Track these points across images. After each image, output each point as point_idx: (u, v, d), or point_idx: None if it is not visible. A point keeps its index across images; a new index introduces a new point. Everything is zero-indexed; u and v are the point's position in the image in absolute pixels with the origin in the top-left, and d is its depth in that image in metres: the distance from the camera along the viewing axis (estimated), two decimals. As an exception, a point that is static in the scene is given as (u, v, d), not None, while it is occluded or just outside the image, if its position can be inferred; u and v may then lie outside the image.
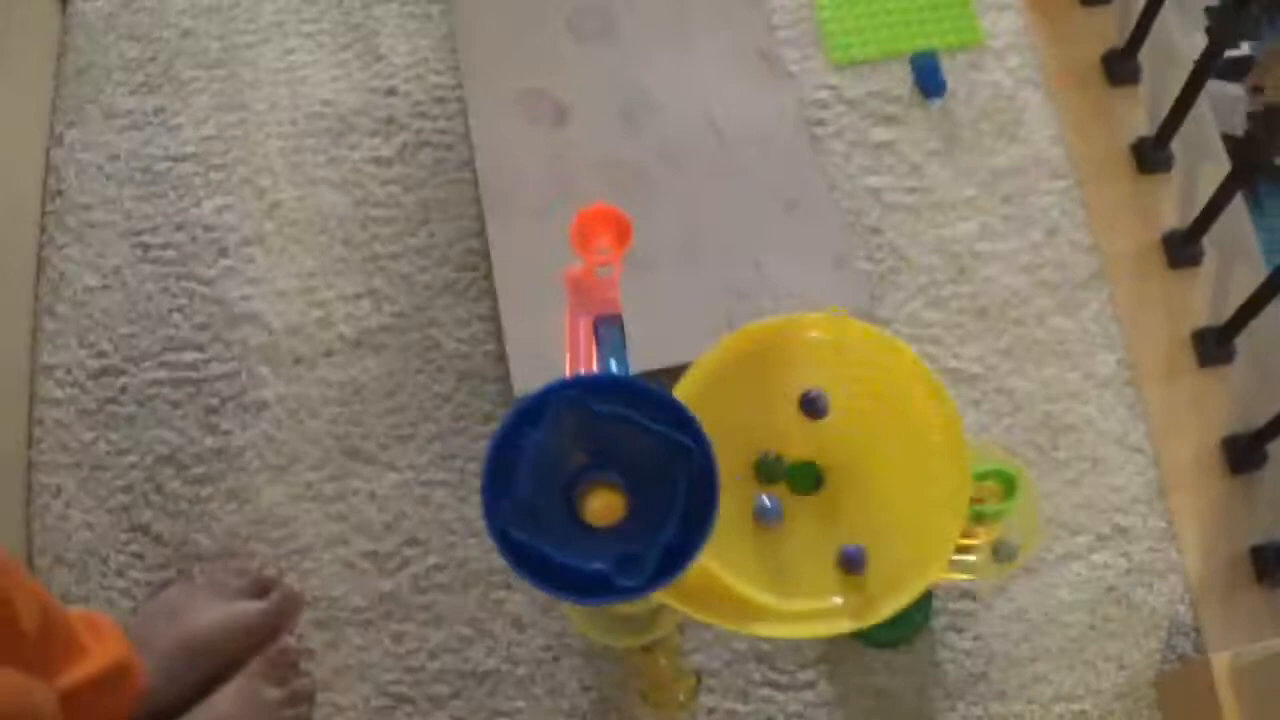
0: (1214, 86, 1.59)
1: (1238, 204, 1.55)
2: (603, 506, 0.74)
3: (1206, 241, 1.55)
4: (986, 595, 1.38)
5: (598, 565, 0.71)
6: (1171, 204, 1.59)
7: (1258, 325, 1.46)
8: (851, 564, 0.88)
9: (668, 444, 0.74)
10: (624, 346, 1.02)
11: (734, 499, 0.87)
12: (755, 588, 0.86)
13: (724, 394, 0.93)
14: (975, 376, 1.47)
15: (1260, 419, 1.42)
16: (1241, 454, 1.46)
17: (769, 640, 1.35)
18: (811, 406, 0.91)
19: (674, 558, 0.72)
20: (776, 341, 0.96)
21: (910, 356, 0.93)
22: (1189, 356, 1.52)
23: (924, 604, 1.34)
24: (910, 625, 1.34)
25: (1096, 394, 1.48)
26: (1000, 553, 0.98)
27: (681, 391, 0.92)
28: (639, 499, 0.74)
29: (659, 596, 0.83)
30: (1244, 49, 2.14)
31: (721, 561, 0.85)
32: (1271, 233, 2.56)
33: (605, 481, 0.75)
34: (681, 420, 0.75)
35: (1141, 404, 1.48)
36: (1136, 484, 1.44)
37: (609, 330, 1.04)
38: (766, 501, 0.89)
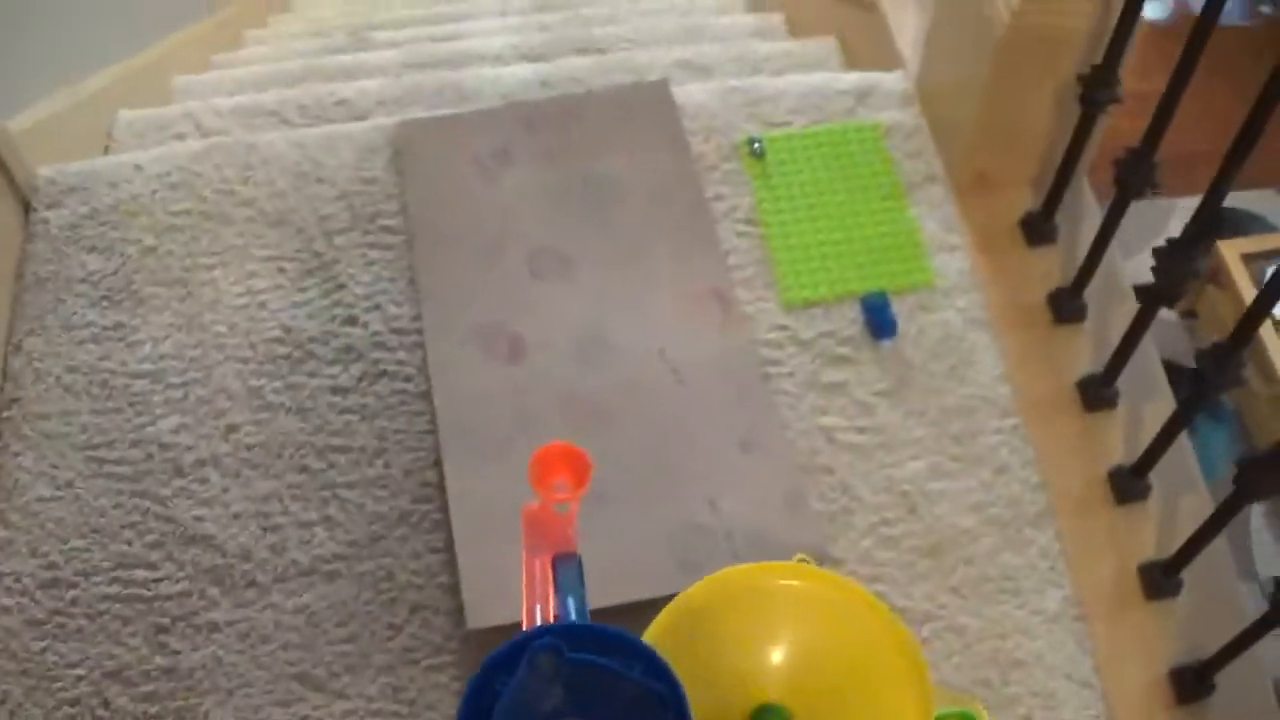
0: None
1: (1181, 438, 1.63)
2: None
3: (1153, 476, 1.62)
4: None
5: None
6: (1118, 440, 1.67)
7: (1208, 556, 1.52)
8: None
9: (642, 691, 0.79)
10: (582, 585, 1.07)
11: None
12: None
13: (695, 639, 0.98)
14: (926, 614, 1.52)
15: (1207, 650, 1.48)
16: (1188, 685, 1.51)
17: None
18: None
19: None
20: (745, 587, 1.01)
21: (883, 612, 0.99)
22: (1136, 590, 1.58)
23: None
24: None
25: (1045, 629, 1.53)
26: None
27: (651, 635, 0.97)
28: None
29: None
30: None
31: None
32: (1204, 449, 2.66)
33: (577, 727, 0.79)
34: (656, 668, 0.80)
35: (1090, 638, 1.53)
36: (1085, 718, 1.49)
37: (566, 569, 1.09)
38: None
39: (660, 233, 1.73)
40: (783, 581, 1.01)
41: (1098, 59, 1.59)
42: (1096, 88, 1.60)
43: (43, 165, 1.85)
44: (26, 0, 1.94)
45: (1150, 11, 1.49)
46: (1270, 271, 3.30)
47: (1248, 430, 3.21)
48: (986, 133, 1.78)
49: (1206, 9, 1.37)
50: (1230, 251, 3.28)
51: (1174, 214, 3.48)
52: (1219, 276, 3.27)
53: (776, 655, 1.00)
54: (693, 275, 1.70)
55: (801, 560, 1.02)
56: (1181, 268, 1.48)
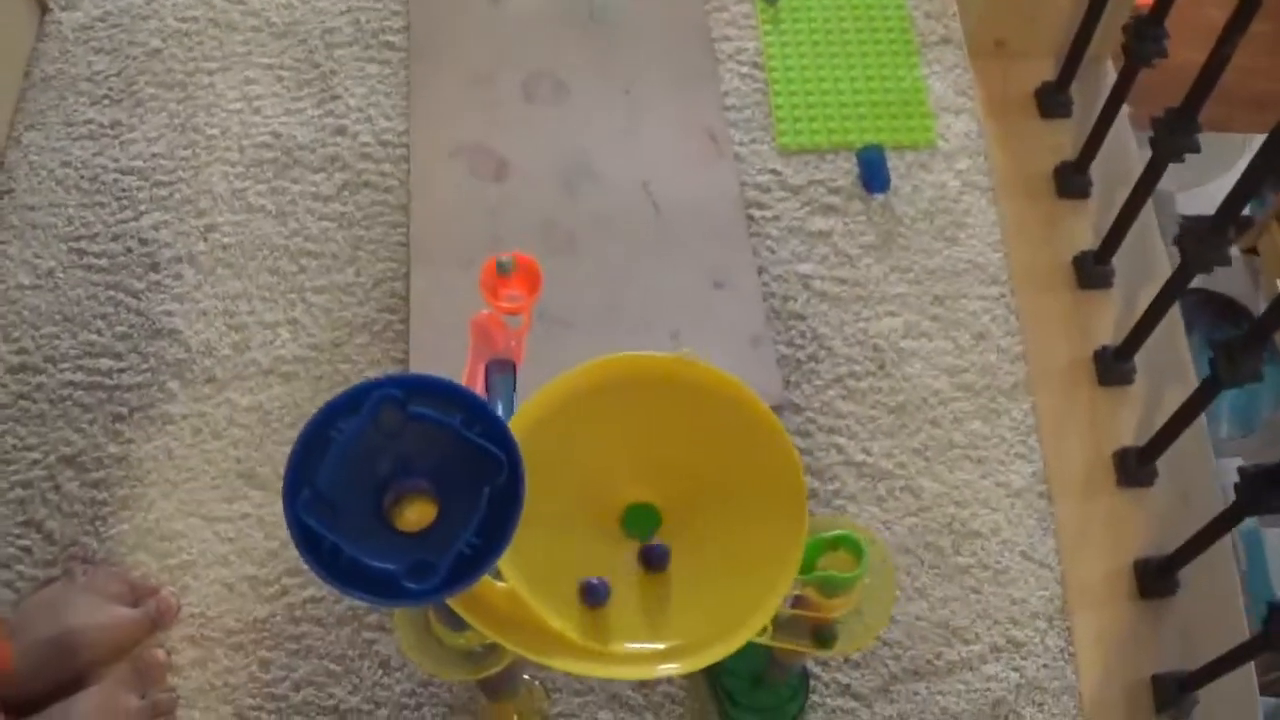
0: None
1: (1176, 327, 1.58)
2: (416, 517, 0.76)
3: (1140, 362, 1.57)
4: (868, 695, 1.39)
5: (388, 566, 0.74)
6: (1109, 321, 1.62)
7: (1182, 447, 1.47)
8: (653, 559, 0.90)
9: (481, 455, 0.77)
10: (513, 394, 1.05)
11: (568, 537, 0.90)
12: (569, 624, 0.88)
13: (563, 427, 0.95)
14: (884, 472, 1.49)
15: (1176, 544, 1.43)
16: (1153, 579, 1.46)
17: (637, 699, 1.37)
18: (652, 557, 0.92)
19: (469, 568, 0.75)
20: (622, 378, 0.98)
21: (760, 406, 0.96)
22: (1108, 475, 1.53)
23: (799, 694, 1.35)
24: (784, 715, 1.35)
25: (1008, 503, 1.49)
26: (820, 635, 1.00)
27: (521, 416, 0.94)
28: (446, 507, 0.76)
29: (454, 605, 0.86)
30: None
31: (537, 591, 0.87)
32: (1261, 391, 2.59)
33: (417, 489, 0.77)
34: (497, 433, 0.77)
35: (1054, 519, 1.49)
36: (1038, 599, 1.45)
37: (500, 376, 1.07)
38: (594, 582, 0.90)
39: (660, 67, 1.69)
40: (666, 373, 0.98)
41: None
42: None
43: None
44: None
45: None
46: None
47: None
48: (1008, -4, 1.72)
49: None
50: None
51: (1245, 150, 3.40)
52: None
53: (651, 451, 0.97)
54: (687, 111, 1.66)
55: (689, 353, 0.98)
56: (1180, 141, 1.42)
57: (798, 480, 0.93)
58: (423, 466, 0.77)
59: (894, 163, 1.65)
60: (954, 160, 1.67)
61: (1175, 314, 1.57)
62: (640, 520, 0.94)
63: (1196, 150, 1.44)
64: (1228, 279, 2.45)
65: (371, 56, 1.72)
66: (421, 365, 1.46)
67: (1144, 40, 1.47)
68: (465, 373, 1.06)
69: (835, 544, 0.99)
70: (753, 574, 0.92)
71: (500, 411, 1.00)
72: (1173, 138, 1.42)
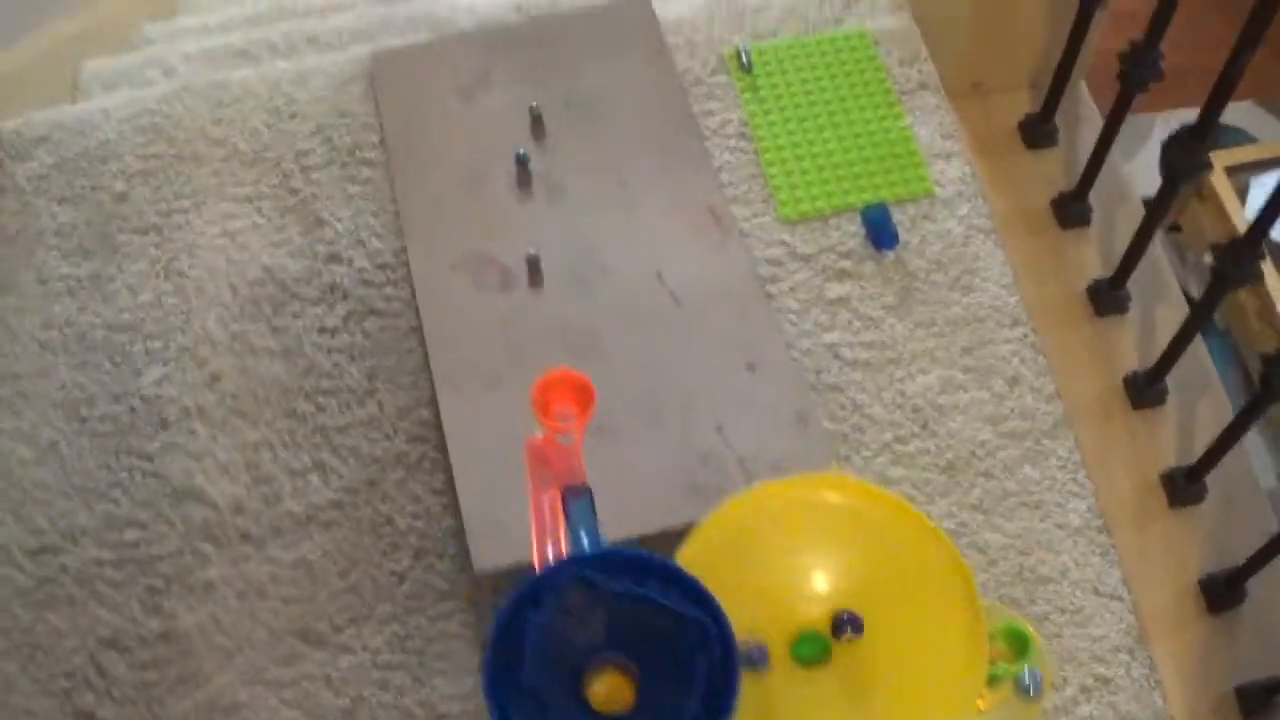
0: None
1: (1198, 344, 1.58)
2: (605, 692, 0.73)
3: (1169, 380, 1.57)
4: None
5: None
6: (1131, 345, 1.62)
7: (1227, 461, 1.47)
8: (843, 628, 0.87)
9: (681, 620, 0.73)
10: (594, 518, 1.01)
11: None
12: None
13: (730, 560, 0.93)
14: (947, 533, 1.47)
15: (1236, 556, 1.44)
16: (1219, 593, 1.47)
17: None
18: (844, 627, 0.89)
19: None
20: (784, 502, 0.96)
21: (928, 525, 0.94)
22: (1159, 498, 1.53)
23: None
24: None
25: (1070, 544, 1.48)
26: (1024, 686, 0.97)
27: (684, 559, 0.91)
28: (651, 680, 0.73)
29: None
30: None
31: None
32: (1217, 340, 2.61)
33: (614, 662, 0.74)
34: (696, 595, 0.74)
35: (1115, 550, 1.48)
36: (1116, 632, 1.44)
37: (578, 502, 1.03)
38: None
39: (648, 150, 1.66)
40: (823, 494, 0.95)
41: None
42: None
43: (7, 118, 1.77)
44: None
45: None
46: (1253, 183, 3.26)
47: (1238, 345, 3.17)
48: (980, 35, 1.72)
49: None
50: (1214, 164, 3.23)
51: (1154, 130, 3.44)
52: (1202, 189, 3.23)
53: (819, 575, 0.94)
54: (685, 193, 1.63)
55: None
56: (1193, 161, 1.42)
57: (971, 587, 0.90)
58: (619, 638, 0.74)
59: (897, 217, 1.63)
60: (954, 206, 1.65)
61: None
62: (810, 649, 0.91)
63: (1208, 168, 1.44)
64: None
65: (351, 175, 1.67)
66: (469, 496, 1.41)
67: (1141, 66, 1.47)
68: (531, 501, 1.02)
69: (992, 636, 0.97)
70: (935, 691, 0.89)
71: (586, 541, 0.96)
72: (1187, 159, 1.42)
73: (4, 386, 1.55)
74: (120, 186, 1.69)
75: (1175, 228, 3.37)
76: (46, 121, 1.77)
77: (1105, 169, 1.64)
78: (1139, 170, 2.75)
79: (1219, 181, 3.20)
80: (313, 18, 2.31)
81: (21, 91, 1.89)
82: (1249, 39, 1.26)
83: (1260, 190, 3.25)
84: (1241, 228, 3.08)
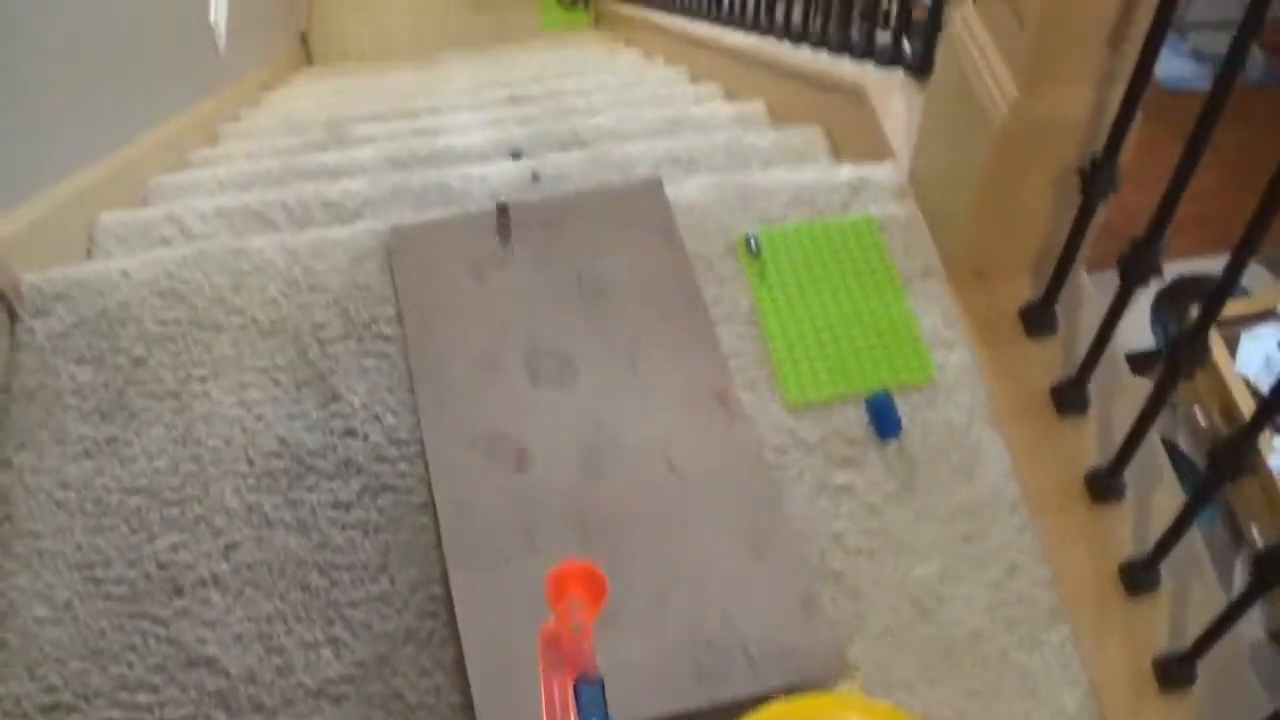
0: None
1: (1193, 531, 1.61)
2: None
3: (1163, 567, 1.60)
4: None
5: None
6: (1126, 532, 1.64)
7: (1221, 645, 1.50)
8: None
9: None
10: (605, 707, 1.04)
11: None
12: None
13: None
14: (944, 721, 1.50)
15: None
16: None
17: None
18: None
19: None
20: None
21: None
22: (1151, 684, 1.55)
23: None
24: None
25: (1065, 731, 1.51)
26: None
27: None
28: None
29: None
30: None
31: None
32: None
33: None
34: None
35: (1109, 739, 1.51)
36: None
37: (589, 692, 1.07)
38: None
39: (659, 334, 1.71)
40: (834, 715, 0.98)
41: (1097, 146, 1.58)
42: (1097, 179, 1.59)
43: (27, 271, 1.81)
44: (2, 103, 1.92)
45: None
46: (1244, 336, 3.30)
47: (1231, 510, 3.21)
48: (983, 223, 1.76)
49: (1207, 112, 1.36)
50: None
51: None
52: None
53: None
54: (695, 377, 1.67)
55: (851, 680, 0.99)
56: (1194, 353, 1.47)
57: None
58: None
59: (900, 404, 1.68)
60: (955, 394, 1.70)
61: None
62: None
63: (1202, 364, 1.49)
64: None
65: (367, 350, 1.71)
66: (479, 674, 1.44)
67: (1142, 259, 1.52)
68: (542, 688, 1.06)
69: None
70: None
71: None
72: (1190, 355, 1.47)
73: (21, 543, 1.58)
74: (139, 350, 1.72)
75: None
76: (66, 279, 1.80)
77: (1107, 357, 1.69)
78: (1130, 323, 2.78)
79: (1210, 335, 3.24)
80: (324, 179, 2.37)
81: (39, 243, 1.94)
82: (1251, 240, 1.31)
83: (1252, 343, 3.30)
84: (1232, 382, 3.14)
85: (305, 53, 6.07)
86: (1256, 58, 4.56)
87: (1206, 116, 1.36)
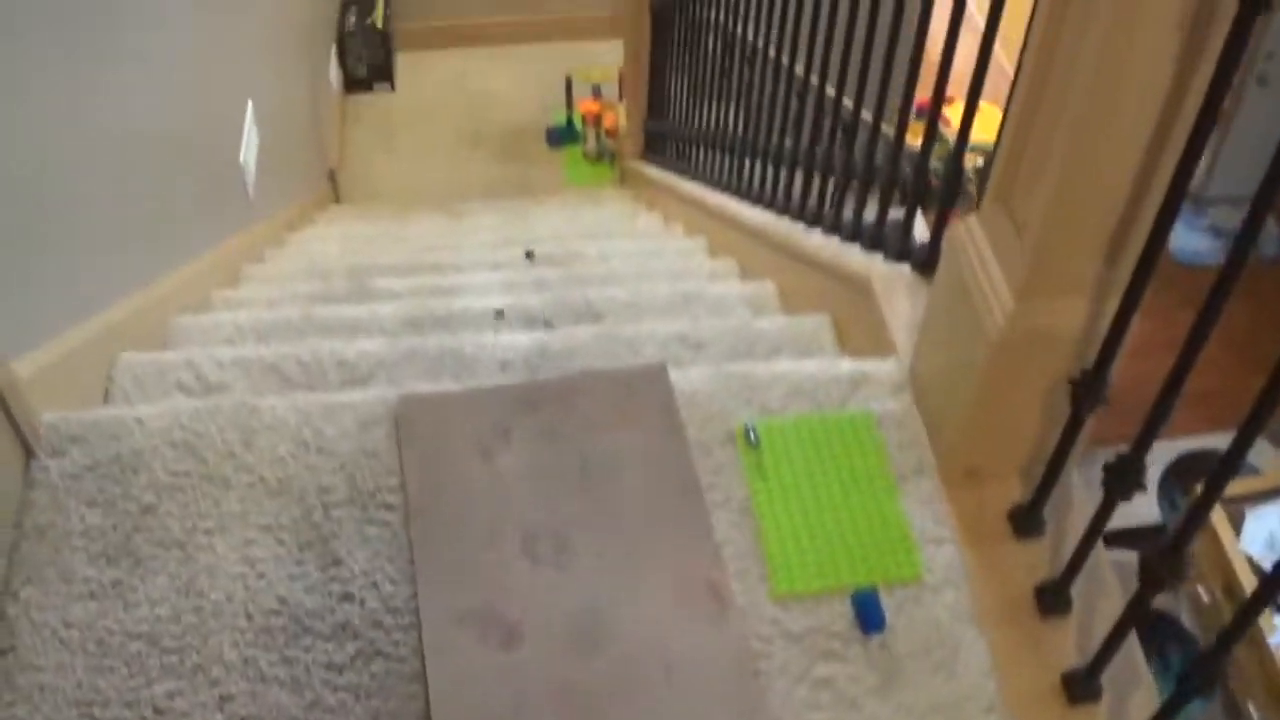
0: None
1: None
2: None
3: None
4: None
5: None
6: (1101, 734, 1.69)
7: None
8: None
9: None
10: None
11: None
12: None
13: None
14: None
15: None
16: None
17: None
18: None
19: None
20: None
21: None
22: None
23: None
24: None
25: None
26: None
27: None
28: None
29: None
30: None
31: None
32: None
33: None
34: None
35: None
36: None
37: None
38: None
39: (656, 520, 1.76)
40: None
41: (1090, 360, 1.63)
42: (1086, 392, 1.64)
43: (45, 409, 1.87)
44: (29, 242, 1.99)
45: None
46: (1249, 514, 3.33)
47: (1228, 688, 3.21)
48: (976, 426, 1.82)
49: (1207, 309, 1.38)
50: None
51: (1154, 463, 3.50)
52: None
53: None
54: (689, 565, 1.72)
55: None
56: (1170, 569, 1.50)
57: None
58: None
59: (885, 599, 1.72)
60: (940, 592, 1.74)
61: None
62: None
63: (1183, 578, 1.52)
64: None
65: (370, 517, 1.76)
66: None
67: (1125, 477, 1.56)
68: None
69: None
70: None
71: None
72: (1164, 566, 1.51)
73: (23, 675, 1.61)
74: (149, 498, 1.78)
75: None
76: (83, 421, 1.86)
77: (1089, 561, 1.73)
78: (1134, 500, 2.80)
79: (1214, 513, 3.25)
80: (342, 334, 2.44)
81: (58, 381, 1.99)
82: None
83: (1256, 521, 3.32)
84: (1235, 560, 3.15)
85: (333, 191, 6.18)
86: (1271, 232, 4.60)
87: (1211, 303, 1.38)
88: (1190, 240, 4.77)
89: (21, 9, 1.95)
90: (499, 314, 2.57)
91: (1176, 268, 4.58)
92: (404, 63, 7.26)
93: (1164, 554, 1.49)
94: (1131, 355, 1.62)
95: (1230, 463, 1.39)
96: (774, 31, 3.22)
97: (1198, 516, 1.44)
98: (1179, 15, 1.32)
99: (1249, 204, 1.29)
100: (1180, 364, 1.43)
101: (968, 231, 1.75)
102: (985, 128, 2.10)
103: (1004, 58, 4.80)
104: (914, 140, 2.30)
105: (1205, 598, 3.32)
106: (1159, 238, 1.46)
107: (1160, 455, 3.07)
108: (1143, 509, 3.61)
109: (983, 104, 1.95)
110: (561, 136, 6.84)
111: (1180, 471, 3.66)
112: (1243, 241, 1.33)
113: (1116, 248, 1.57)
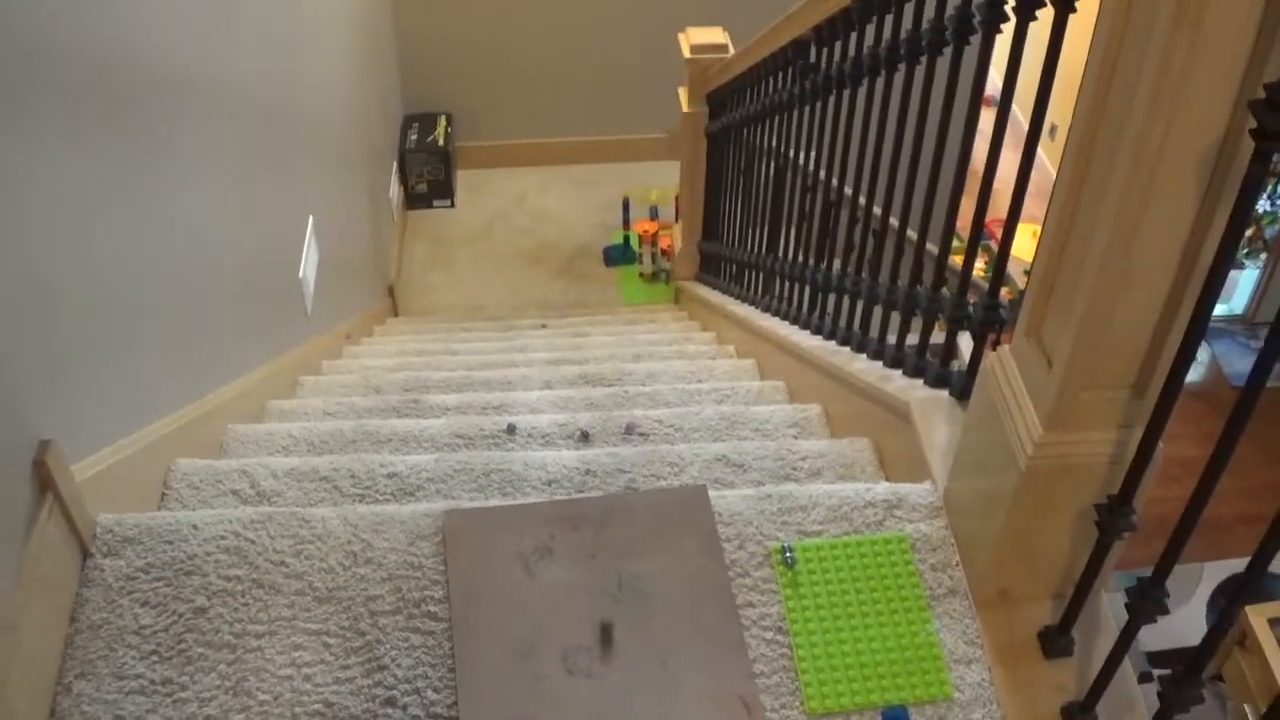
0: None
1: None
2: None
3: None
4: None
5: None
6: None
7: None
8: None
9: None
10: None
11: None
12: None
13: None
14: None
15: None
16: None
17: None
18: None
19: None
20: None
21: None
22: None
23: None
24: None
25: None
26: None
27: None
28: None
29: None
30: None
31: None
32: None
33: None
34: None
35: None
36: None
37: None
38: None
39: (692, 636, 1.82)
40: None
41: (1116, 487, 1.69)
42: (1112, 518, 1.69)
43: (102, 511, 1.96)
44: (92, 352, 2.08)
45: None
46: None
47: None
48: (1007, 550, 1.86)
49: (1232, 422, 1.43)
50: (1257, 617, 3.29)
51: (1202, 579, 3.48)
52: (1246, 640, 3.29)
53: None
54: (721, 681, 1.78)
55: None
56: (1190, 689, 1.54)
57: None
58: None
59: (915, 717, 1.77)
60: (969, 711, 1.79)
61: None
62: None
63: (1200, 701, 1.56)
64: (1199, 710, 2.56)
65: (415, 626, 1.83)
66: None
67: (1147, 599, 1.61)
68: None
69: None
70: None
71: None
72: (1182, 691, 1.55)
73: (75, 766, 1.68)
74: (201, 601, 1.85)
75: (1217, 677, 3.42)
76: (138, 524, 1.95)
77: (1115, 680, 1.77)
78: (1185, 618, 2.82)
79: (1262, 632, 3.24)
80: (393, 446, 2.52)
81: (116, 485, 2.08)
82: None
83: (1305, 641, 3.30)
84: (1284, 679, 3.14)
85: (392, 305, 6.28)
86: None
87: (1229, 428, 1.43)
88: (1245, 364, 4.78)
89: (87, 135, 2.06)
90: (510, 429, 2.65)
91: (1232, 391, 4.59)
92: (464, 180, 7.41)
93: (1179, 679, 1.54)
94: (1186, 478, 1.65)
95: (1249, 584, 1.43)
96: (825, 162, 3.30)
97: (1214, 638, 1.48)
98: (1198, 159, 1.38)
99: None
100: (1200, 489, 1.48)
101: (1000, 361, 1.81)
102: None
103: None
104: (980, 273, 2.36)
105: (1252, 718, 3.30)
106: (1179, 374, 1.51)
107: (1214, 574, 3.08)
108: (1190, 630, 3.61)
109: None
110: (618, 256, 6.95)
111: (1229, 591, 3.66)
112: (1261, 364, 1.36)
113: (1144, 380, 1.62)
